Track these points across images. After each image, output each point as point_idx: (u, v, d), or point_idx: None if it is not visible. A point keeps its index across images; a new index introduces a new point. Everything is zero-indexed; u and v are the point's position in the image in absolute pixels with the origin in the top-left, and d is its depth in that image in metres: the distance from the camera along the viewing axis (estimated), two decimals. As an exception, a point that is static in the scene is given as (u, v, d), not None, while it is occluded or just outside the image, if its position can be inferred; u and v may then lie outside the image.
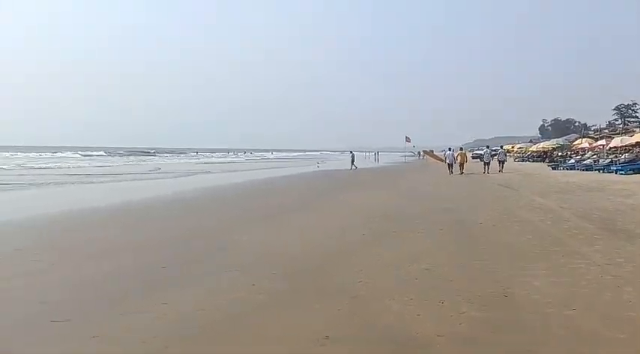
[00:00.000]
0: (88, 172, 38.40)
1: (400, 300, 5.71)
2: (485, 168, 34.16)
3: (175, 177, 33.01)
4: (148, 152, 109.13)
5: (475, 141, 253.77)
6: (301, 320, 5.13)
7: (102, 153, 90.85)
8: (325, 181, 29.54)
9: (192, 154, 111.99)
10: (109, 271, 7.17)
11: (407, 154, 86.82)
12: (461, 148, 38.45)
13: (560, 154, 46.48)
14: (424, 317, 5.15)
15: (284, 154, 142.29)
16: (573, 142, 50.14)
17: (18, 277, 6.77)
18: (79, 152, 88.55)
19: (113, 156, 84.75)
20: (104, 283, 6.61)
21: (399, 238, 9.61)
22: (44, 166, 47.29)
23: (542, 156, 51.02)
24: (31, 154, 74.70)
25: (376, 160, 74.11)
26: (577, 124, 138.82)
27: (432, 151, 79.24)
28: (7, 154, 73.33)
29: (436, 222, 11.58)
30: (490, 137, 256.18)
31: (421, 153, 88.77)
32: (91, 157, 74.59)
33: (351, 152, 46.63)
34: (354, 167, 42.46)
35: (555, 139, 58.24)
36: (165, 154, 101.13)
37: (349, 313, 5.34)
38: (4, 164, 46.56)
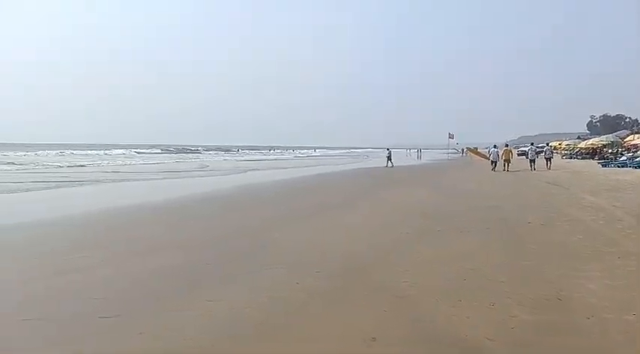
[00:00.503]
0: (141, 169, 39.15)
1: (448, 301, 5.56)
2: (530, 165, 33.33)
3: (222, 175, 33.28)
4: (196, 150, 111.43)
5: (520, 138, 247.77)
6: (347, 320, 5.05)
7: (158, 150, 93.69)
8: (366, 178, 29.31)
9: (234, 151, 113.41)
10: (154, 268, 7.23)
11: (450, 151, 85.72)
12: (506, 145, 37.58)
13: (610, 151, 44.95)
14: (474, 320, 4.99)
15: (331, 151, 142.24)
16: (624, 138, 48.43)
17: (68, 273, 6.89)
18: (134, 150, 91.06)
19: (167, 153, 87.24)
20: (150, 280, 6.67)
21: (444, 237, 9.41)
22: (101, 162, 49.12)
23: (591, 153, 49.40)
24: (89, 152, 77.20)
25: (418, 157, 73.34)
26: (627, 120, 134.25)
27: (476, 149, 78.00)
28: (67, 152, 76.85)
29: (481, 220, 11.31)
30: (535, 134, 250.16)
31: (464, 150, 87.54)
32: (145, 155, 76.80)
33: (387, 150, 46.18)
34: (390, 165, 41.99)
35: (605, 136, 56.34)
36: (210, 152, 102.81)
37: (396, 313, 5.22)
38: (81, 162, 48.65)
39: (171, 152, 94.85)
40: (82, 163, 46.26)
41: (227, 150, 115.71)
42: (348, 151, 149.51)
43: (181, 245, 8.86)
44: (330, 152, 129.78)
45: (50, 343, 4.61)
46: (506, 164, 33.03)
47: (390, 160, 42.95)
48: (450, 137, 69.91)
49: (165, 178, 29.37)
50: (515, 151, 47.30)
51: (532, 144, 39.46)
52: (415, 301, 5.63)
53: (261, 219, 12.20)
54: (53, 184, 23.07)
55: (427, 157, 77.45)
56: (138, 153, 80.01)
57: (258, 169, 40.04)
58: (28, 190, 20.17)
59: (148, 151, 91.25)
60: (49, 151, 76.60)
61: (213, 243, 9.12)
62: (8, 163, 44.09)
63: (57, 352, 4.43)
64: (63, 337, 4.72)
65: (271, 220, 11.89)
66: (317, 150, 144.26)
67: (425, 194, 18.52)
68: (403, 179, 27.82)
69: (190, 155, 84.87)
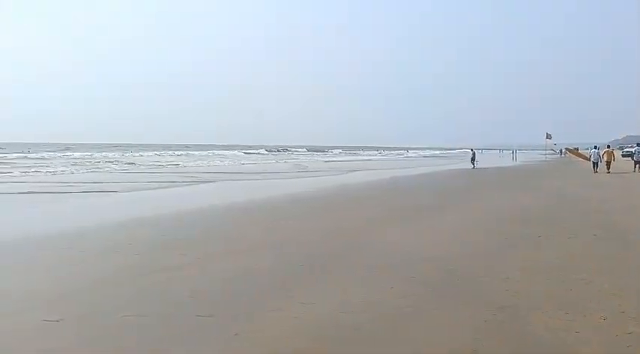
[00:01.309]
0: (246, 169, 40.44)
1: (554, 313, 5.20)
2: (636, 167, 31.12)
3: (317, 176, 33.52)
4: (289, 150, 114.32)
5: (624, 137, 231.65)
6: (445, 330, 4.83)
7: (263, 151, 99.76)
8: (459, 180, 28.51)
9: (324, 152, 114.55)
10: (249, 268, 7.31)
11: (547, 152, 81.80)
12: (608, 146, 35.32)
13: None
14: (584, 335, 4.62)
15: (422, 152, 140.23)
16: None
17: (168, 270, 7.10)
18: (243, 151, 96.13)
19: (272, 154, 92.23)
20: (245, 280, 6.74)
21: (546, 244, 8.89)
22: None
23: None
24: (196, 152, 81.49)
25: (514, 158, 70.42)
26: None
27: (577, 149, 73.96)
28: (171, 152, 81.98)
29: (586, 226, 10.62)
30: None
31: (563, 150, 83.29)
32: (253, 155, 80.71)
33: (472, 151, 44.69)
34: (474, 166, 40.56)
35: None
36: (303, 152, 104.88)
37: (497, 325, 4.93)
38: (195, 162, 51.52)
39: (274, 152, 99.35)
40: (198, 163, 49.13)
41: (322, 151, 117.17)
42: (442, 152, 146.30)
43: (276, 245, 8.93)
44: (423, 153, 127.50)
45: (148, 340, 4.72)
46: (607, 166, 31.08)
47: (475, 161, 41.58)
48: (547, 137, 66.77)
49: (265, 178, 30.12)
50: (618, 153, 44.33)
51: (639, 144, 36.80)
52: (517, 311, 5.31)
53: (357, 220, 12.12)
54: (184, 182, 24.30)
55: (523, 158, 74.22)
56: (246, 154, 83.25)
57: (357, 170, 39.80)
58: (159, 187, 21.37)
59: (256, 151, 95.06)
60: (170, 151, 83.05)
61: (308, 244, 9.12)
62: (130, 163, 47.10)
63: (153, 348, 4.54)
64: (160, 335, 4.82)
65: (367, 222, 11.79)
66: (410, 150, 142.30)
67: (523, 197, 17.66)
68: (499, 181, 26.83)
69: (291, 155, 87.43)
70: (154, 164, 45.93)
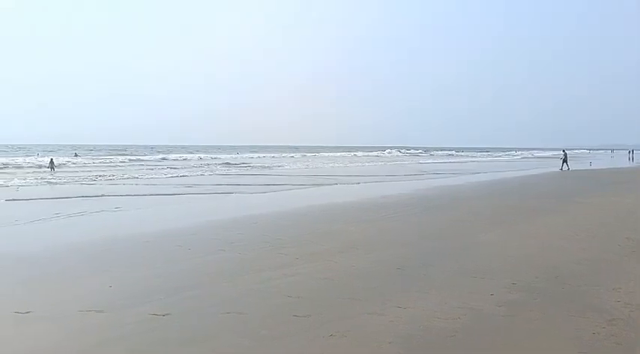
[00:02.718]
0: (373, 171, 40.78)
1: (673, 330, 4.77)
2: None
3: (421, 179, 33.11)
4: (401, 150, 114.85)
5: None
6: (548, 342, 4.62)
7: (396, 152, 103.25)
8: (562, 181, 26.95)
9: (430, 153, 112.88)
10: (346, 269, 7.36)
11: None
12: None
13: None
14: None
15: (532, 153, 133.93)
16: None
17: (267, 270, 7.30)
18: (400, 150, 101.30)
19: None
20: (342, 281, 6.79)
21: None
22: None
23: None
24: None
25: (630, 159, 65.44)
26: None
27: None
28: (327, 154, 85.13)
29: None
30: None
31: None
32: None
33: (563, 152, 41.62)
34: (566, 167, 37.61)
35: None
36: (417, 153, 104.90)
37: (606, 339, 4.63)
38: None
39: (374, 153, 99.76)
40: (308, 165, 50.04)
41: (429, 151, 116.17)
42: (553, 153, 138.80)
43: (372, 247, 8.92)
44: (538, 154, 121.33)
45: (246, 338, 4.87)
46: None
47: (566, 162, 38.63)
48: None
49: (382, 180, 30.09)
50: None
51: None
52: (629, 325, 4.95)
53: (464, 221, 11.89)
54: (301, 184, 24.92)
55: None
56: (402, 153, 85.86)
57: (475, 172, 38.82)
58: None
59: (351, 153, 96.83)
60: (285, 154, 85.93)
61: (404, 246, 9.04)
62: (266, 166, 48.14)
63: (251, 346, 4.68)
64: (258, 334, 4.97)
65: (462, 224, 11.51)
66: (518, 151, 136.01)
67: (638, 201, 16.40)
68: (612, 183, 25.04)
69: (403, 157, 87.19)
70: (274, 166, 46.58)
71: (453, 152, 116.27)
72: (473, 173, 35.76)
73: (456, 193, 20.05)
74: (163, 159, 59.15)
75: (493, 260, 7.80)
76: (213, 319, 5.37)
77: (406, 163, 57.83)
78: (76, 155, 61.59)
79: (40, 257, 8.49)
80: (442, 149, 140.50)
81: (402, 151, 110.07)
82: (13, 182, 24.44)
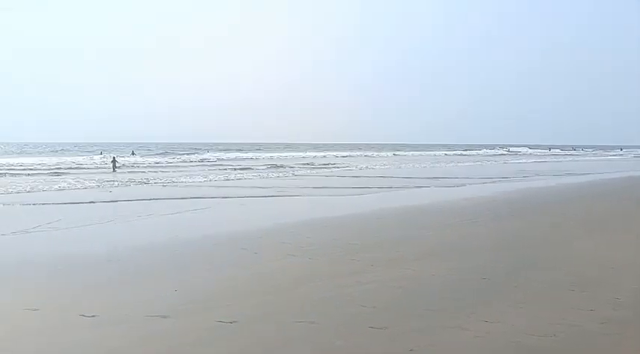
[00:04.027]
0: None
1: None
2: None
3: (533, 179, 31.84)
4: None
5: None
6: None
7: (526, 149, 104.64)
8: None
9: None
10: (425, 278, 6.95)
11: None
12: None
13: None
14: None
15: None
16: None
17: (339, 277, 7.00)
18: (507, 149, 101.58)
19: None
20: (421, 290, 6.41)
21: None
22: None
23: None
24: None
25: None
26: None
27: None
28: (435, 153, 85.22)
29: None
30: None
31: None
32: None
33: None
34: None
35: None
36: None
37: None
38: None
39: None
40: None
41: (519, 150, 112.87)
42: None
43: (453, 253, 8.44)
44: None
45: (317, 348, 4.62)
46: None
47: None
48: None
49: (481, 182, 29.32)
50: None
51: None
52: None
53: (555, 227, 11.24)
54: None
55: None
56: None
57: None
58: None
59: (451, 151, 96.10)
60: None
61: (490, 252, 8.52)
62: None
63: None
64: (331, 345, 4.69)
65: (566, 229, 10.87)
66: (623, 149, 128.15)
67: None
68: None
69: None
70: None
71: (558, 150, 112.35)
72: (568, 174, 33.84)
73: (546, 196, 19.04)
74: (235, 158, 58.61)
75: (591, 271, 7.15)
76: (282, 328, 5.13)
77: (494, 162, 55.76)
78: (133, 154, 62.41)
79: (111, 258, 8.55)
80: (539, 147, 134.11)
81: (500, 149, 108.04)
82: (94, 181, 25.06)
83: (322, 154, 77.30)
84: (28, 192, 20.21)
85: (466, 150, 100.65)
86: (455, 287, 6.48)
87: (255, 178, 30.08)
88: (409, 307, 5.71)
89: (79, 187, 22.61)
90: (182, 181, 25.71)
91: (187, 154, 64.76)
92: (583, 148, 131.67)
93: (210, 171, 35.54)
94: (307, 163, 48.84)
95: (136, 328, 5.19)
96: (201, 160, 52.94)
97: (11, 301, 6.22)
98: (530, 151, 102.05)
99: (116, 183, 24.37)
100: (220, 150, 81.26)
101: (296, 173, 34.26)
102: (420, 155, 76.41)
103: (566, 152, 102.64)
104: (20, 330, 5.22)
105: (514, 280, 6.76)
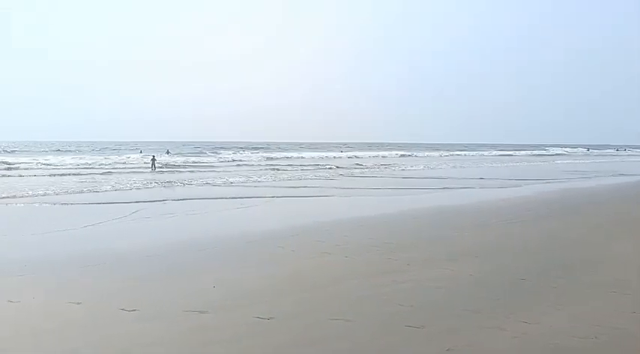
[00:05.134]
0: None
1: None
2: None
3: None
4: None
5: None
6: None
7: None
8: None
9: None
10: (463, 277, 6.93)
11: None
12: None
13: None
14: None
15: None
16: None
17: (376, 276, 7.04)
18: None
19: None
20: (457, 289, 6.39)
21: None
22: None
23: None
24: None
25: None
26: None
27: None
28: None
29: None
30: None
31: None
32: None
33: None
34: None
35: None
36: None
37: None
38: None
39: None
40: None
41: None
42: None
43: (490, 253, 8.39)
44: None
45: (354, 346, 4.66)
46: None
47: None
48: None
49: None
50: None
51: None
52: None
53: (594, 227, 11.06)
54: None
55: None
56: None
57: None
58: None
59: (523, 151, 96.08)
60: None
61: (528, 253, 8.42)
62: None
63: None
64: (368, 344, 4.74)
65: (606, 230, 10.70)
66: None
67: None
68: None
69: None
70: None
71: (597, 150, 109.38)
72: (612, 175, 32.93)
73: (585, 197, 18.59)
74: (268, 158, 57.84)
75: (632, 274, 7.05)
76: (319, 326, 5.20)
77: (544, 163, 54.59)
78: (167, 153, 62.63)
79: (150, 254, 8.74)
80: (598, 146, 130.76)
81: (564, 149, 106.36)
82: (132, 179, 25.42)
83: (380, 153, 76.40)
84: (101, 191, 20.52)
85: (517, 150, 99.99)
86: (492, 287, 6.45)
87: (293, 178, 30.27)
88: (446, 307, 5.71)
89: (126, 187, 23.00)
90: (223, 181, 25.90)
91: (228, 151, 65.60)
92: (626, 148, 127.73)
93: (252, 171, 35.44)
94: (357, 164, 48.41)
95: (175, 322, 5.33)
96: (235, 160, 52.94)
97: (57, 294, 6.43)
98: (572, 150, 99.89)
99: (156, 183, 24.71)
100: (249, 149, 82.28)
101: (338, 173, 34.30)
102: (471, 156, 75.07)
103: (613, 152, 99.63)
104: (64, 323, 5.40)
105: (553, 281, 6.69)
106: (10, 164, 37.15)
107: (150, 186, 22.89)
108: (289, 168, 39.23)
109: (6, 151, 66.72)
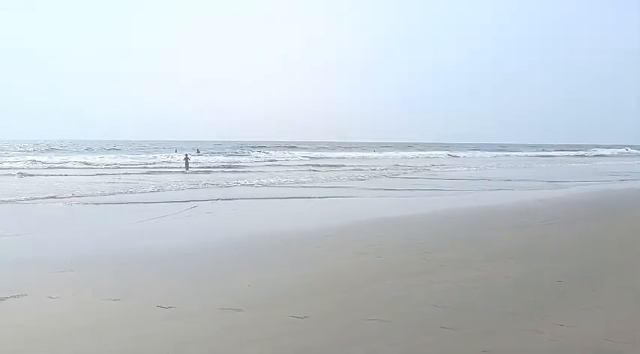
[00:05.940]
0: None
1: None
2: None
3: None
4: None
5: None
6: None
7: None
8: None
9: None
10: (498, 279, 6.92)
11: None
12: None
13: None
14: None
15: None
16: None
17: (410, 276, 7.08)
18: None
19: None
20: (494, 291, 6.40)
21: None
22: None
23: None
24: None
25: None
26: None
27: None
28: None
29: None
30: None
31: None
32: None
33: None
34: None
35: None
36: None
37: None
38: None
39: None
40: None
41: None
42: None
43: (525, 255, 8.34)
44: None
45: (389, 346, 4.72)
46: None
47: None
48: None
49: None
50: None
51: None
52: None
53: (632, 231, 10.87)
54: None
55: None
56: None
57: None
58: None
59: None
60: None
61: (564, 256, 8.33)
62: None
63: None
64: (403, 344, 4.80)
65: (630, 234, 10.40)
66: None
67: None
68: None
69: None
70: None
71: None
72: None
73: (625, 199, 18.16)
74: (305, 157, 57.43)
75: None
76: (354, 326, 5.28)
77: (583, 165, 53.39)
78: (198, 152, 62.33)
79: (188, 252, 8.87)
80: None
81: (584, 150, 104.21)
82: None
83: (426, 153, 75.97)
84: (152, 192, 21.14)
85: (558, 150, 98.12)
86: (529, 289, 6.44)
87: (331, 179, 30.36)
88: (482, 309, 5.73)
89: (174, 187, 23.54)
90: (264, 181, 25.79)
91: (267, 150, 66.00)
92: None
93: (289, 171, 35.12)
94: (396, 164, 47.13)
95: (211, 320, 5.47)
96: (271, 160, 52.91)
97: (96, 290, 6.60)
98: (615, 151, 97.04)
99: (193, 184, 25.02)
100: (281, 148, 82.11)
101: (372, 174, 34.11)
102: (516, 156, 73.57)
103: None
104: (101, 319, 5.56)
105: (590, 283, 6.64)
106: (47, 163, 38.12)
107: (197, 186, 22.86)
108: (326, 168, 39.02)
109: (38, 150, 67.92)
